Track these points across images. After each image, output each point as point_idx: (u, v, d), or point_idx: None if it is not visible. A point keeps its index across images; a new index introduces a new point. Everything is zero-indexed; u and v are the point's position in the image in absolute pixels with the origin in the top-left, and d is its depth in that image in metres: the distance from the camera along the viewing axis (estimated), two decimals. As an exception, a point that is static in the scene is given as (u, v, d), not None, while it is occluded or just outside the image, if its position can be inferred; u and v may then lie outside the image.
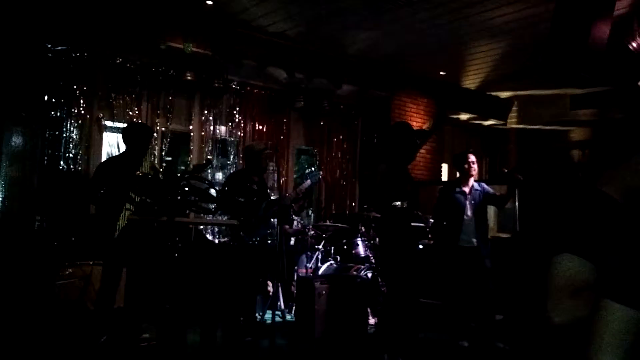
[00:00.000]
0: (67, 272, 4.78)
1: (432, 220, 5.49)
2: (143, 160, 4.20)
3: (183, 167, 6.80)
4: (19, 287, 4.20)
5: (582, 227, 1.45)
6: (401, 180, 4.19)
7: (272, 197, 5.17)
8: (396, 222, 4.24)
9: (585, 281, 1.40)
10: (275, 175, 6.70)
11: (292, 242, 5.87)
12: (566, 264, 1.43)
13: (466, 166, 4.90)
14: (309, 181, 5.21)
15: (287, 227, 5.75)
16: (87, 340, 4.08)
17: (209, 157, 6.64)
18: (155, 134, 6.27)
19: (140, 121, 6.01)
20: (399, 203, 4.21)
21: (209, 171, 6.37)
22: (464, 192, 4.90)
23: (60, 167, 5.62)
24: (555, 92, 8.26)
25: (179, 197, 3.23)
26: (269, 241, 4.94)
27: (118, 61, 5.99)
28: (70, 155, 5.72)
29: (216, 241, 6.06)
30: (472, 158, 4.92)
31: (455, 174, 8.74)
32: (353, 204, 8.02)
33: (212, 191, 3.36)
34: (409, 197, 4.27)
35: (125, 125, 5.20)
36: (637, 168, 1.49)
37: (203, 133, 6.75)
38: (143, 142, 4.32)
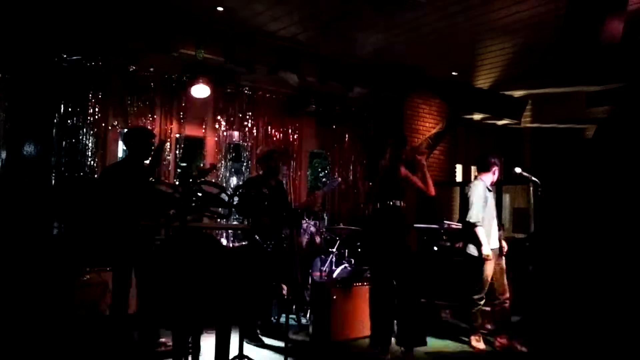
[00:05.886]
0: (85, 278, 4.86)
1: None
2: (144, 164, 4.24)
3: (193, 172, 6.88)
4: (36, 292, 4.28)
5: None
6: (397, 178, 4.25)
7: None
8: (393, 220, 4.28)
9: None
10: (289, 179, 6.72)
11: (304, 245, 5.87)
12: None
13: (496, 169, 4.92)
14: (326, 187, 5.23)
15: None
16: (104, 345, 4.14)
17: (220, 162, 6.71)
18: (169, 140, 6.37)
19: (146, 126, 6.06)
20: (398, 202, 4.25)
21: (218, 172, 6.43)
22: (491, 192, 4.92)
23: (77, 175, 5.71)
24: (570, 89, 8.15)
25: (192, 204, 3.26)
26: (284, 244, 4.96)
27: (131, 69, 6.09)
28: (87, 162, 5.82)
29: (230, 245, 6.09)
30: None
31: (470, 175, 8.70)
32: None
33: (224, 196, 3.39)
34: (404, 196, 4.33)
35: (125, 130, 5.25)
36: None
37: (216, 138, 6.83)
38: (144, 145, 4.35)
